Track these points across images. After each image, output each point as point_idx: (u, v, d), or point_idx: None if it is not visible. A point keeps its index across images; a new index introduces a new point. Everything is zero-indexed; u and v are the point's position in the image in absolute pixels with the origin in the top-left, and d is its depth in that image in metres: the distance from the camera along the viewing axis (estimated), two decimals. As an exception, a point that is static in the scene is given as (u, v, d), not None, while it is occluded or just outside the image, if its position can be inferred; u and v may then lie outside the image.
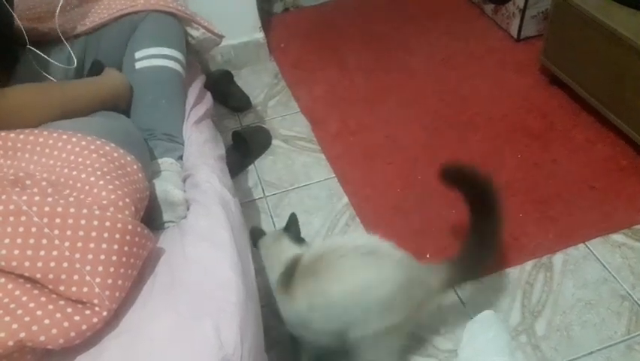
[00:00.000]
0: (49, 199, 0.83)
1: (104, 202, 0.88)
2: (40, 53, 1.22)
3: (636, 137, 1.71)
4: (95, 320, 0.82)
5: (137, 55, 1.32)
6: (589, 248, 1.53)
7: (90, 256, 0.83)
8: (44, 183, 0.87)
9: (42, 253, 0.81)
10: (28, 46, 1.21)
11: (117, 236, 0.86)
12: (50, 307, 0.80)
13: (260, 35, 2.35)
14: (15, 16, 1.16)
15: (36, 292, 0.80)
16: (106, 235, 0.84)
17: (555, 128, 1.92)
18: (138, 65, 1.32)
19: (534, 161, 1.81)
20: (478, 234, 1.19)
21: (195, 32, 1.50)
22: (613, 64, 1.73)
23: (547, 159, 1.81)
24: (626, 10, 1.72)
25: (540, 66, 2.12)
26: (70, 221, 0.83)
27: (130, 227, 0.88)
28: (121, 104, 1.27)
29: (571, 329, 1.36)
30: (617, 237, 1.55)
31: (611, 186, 1.69)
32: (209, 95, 1.56)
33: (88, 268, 0.82)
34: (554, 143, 1.87)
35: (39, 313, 0.78)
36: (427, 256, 1.54)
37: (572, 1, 1.82)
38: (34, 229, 0.81)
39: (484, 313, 1.36)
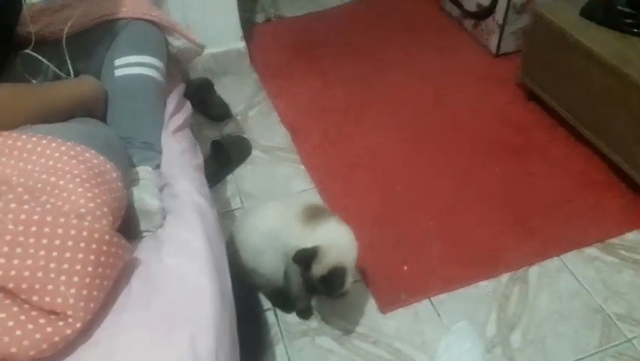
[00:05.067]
0: (26, 207, 0.82)
1: (82, 210, 0.87)
2: (40, 57, 1.22)
3: (610, 152, 1.75)
4: (69, 331, 0.80)
5: (117, 62, 1.31)
6: (563, 262, 1.56)
7: (66, 266, 0.81)
8: (20, 190, 0.86)
9: (16, 261, 0.79)
10: (28, 50, 1.20)
11: (94, 246, 0.84)
12: (22, 317, 0.78)
13: (241, 45, 2.36)
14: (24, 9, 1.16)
15: (8, 302, 0.79)
16: (82, 244, 0.83)
17: (532, 142, 1.96)
18: (118, 72, 1.31)
19: (512, 175, 1.84)
20: None
21: (177, 42, 1.50)
22: (587, 81, 1.77)
23: (524, 173, 1.84)
24: (600, 29, 1.77)
25: (518, 82, 2.16)
26: (47, 230, 0.81)
27: (107, 237, 0.87)
28: (96, 110, 1.26)
29: (545, 341, 1.38)
30: (591, 251, 1.58)
31: (586, 201, 1.73)
32: (188, 104, 1.55)
33: (63, 278, 0.81)
34: (532, 157, 1.90)
35: (10, 324, 0.77)
36: (405, 268, 1.55)
37: (548, 19, 1.87)
38: (8, 237, 0.79)
39: (460, 324, 1.37)
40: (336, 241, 1.26)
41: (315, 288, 1.25)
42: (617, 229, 1.64)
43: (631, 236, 1.61)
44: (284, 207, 1.39)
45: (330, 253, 1.22)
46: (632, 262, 1.54)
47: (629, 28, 1.72)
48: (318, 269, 1.21)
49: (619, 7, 1.75)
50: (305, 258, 1.22)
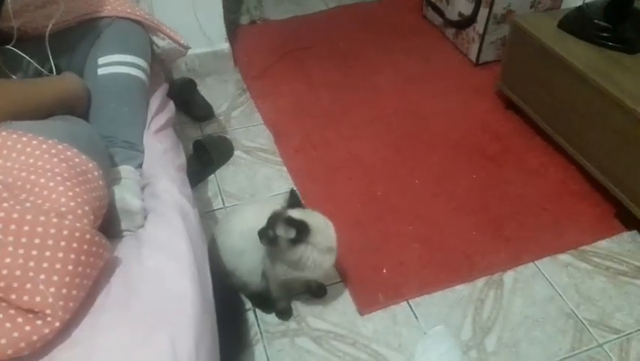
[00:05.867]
0: (5, 204, 0.81)
1: (63, 209, 0.86)
2: (21, 53, 1.20)
3: (585, 163, 1.79)
4: (47, 330, 0.80)
5: (101, 61, 1.31)
6: (538, 267, 1.59)
7: (45, 265, 0.81)
8: (0, 187, 0.85)
9: (-6, 260, 0.78)
10: (9, 46, 1.19)
11: (74, 245, 0.84)
12: (0, 316, 0.78)
13: (225, 46, 2.36)
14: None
15: (-15, 300, 0.78)
16: (63, 243, 0.83)
17: (510, 151, 1.99)
18: (101, 70, 1.30)
19: (489, 182, 1.87)
20: None
21: (161, 42, 1.50)
22: (563, 92, 1.81)
23: (501, 181, 1.87)
24: (577, 41, 1.81)
25: (497, 90, 2.20)
26: (27, 228, 0.81)
27: (88, 236, 0.87)
28: (77, 108, 1.25)
29: (519, 345, 1.40)
30: (565, 257, 1.62)
31: (561, 209, 1.77)
32: (171, 103, 1.55)
33: (42, 276, 0.80)
34: (509, 165, 1.93)
35: (-12, 322, 0.76)
36: (384, 271, 1.56)
37: (527, 30, 1.90)
38: None
39: (437, 328, 1.39)
40: (316, 222, 1.27)
41: (266, 232, 1.24)
42: (590, 236, 1.68)
43: (604, 244, 1.66)
44: (265, 208, 1.39)
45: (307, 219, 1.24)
46: (604, 269, 1.58)
47: (605, 42, 1.77)
48: (284, 231, 1.22)
49: (595, 21, 1.79)
50: (287, 208, 1.27)
